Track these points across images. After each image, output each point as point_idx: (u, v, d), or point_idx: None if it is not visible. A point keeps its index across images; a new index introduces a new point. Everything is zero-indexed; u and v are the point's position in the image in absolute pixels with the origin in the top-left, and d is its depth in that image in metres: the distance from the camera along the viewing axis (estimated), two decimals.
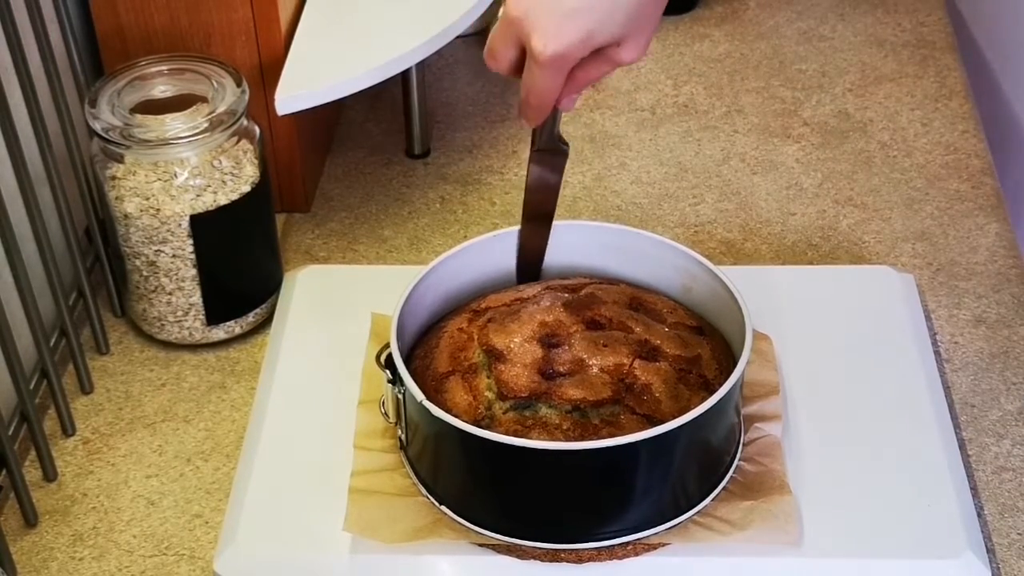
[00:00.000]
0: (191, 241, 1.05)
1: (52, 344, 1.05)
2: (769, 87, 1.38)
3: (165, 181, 1.03)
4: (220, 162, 1.05)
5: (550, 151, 0.98)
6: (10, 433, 0.98)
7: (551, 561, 0.91)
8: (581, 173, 1.28)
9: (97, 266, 1.12)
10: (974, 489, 0.98)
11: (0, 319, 0.94)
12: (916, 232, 1.20)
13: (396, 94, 1.31)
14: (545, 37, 0.84)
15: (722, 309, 0.98)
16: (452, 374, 0.94)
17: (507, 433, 0.89)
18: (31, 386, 1.01)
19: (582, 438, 0.89)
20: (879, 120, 1.34)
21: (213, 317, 1.09)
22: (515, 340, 0.94)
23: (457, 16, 1.16)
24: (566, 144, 0.98)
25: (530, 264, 1.03)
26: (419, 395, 0.90)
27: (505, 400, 0.91)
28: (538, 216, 1.01)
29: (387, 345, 0.93)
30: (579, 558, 0.91)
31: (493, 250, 1.03)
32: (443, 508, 0.93)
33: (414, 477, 0.95)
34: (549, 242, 1.03)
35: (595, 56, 0.87)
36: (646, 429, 0.87)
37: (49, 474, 1.01)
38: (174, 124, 1.03)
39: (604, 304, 0.97)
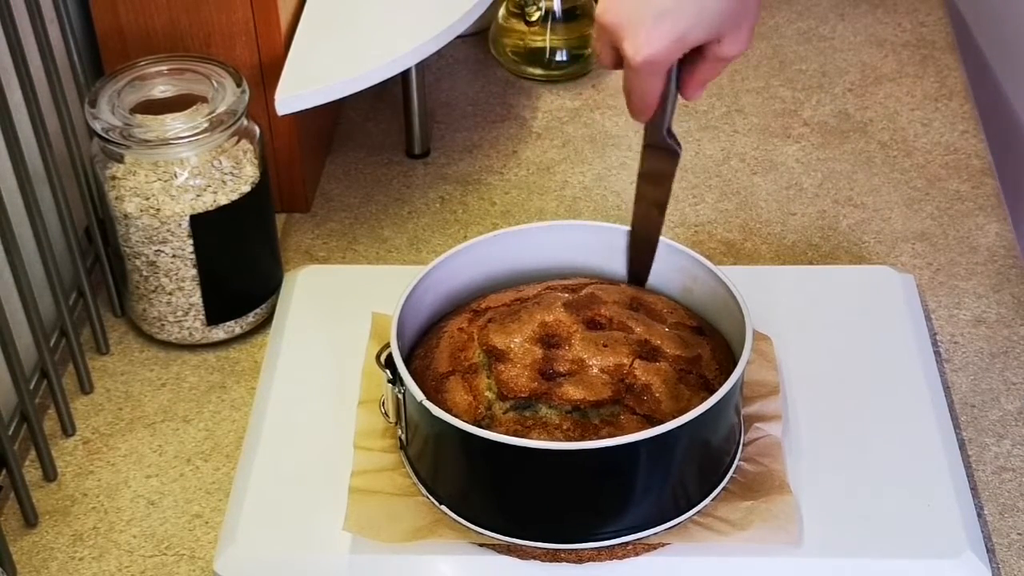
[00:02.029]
0: (191, 241, 1.05)
1: (52, 344, 1.05)
2: (769, 87, 1.38)
3: (165, 181, 1.03)
4: (220, 162, 1.05)
5: (660, 148, 0.95)
6: (10, 433, 0.98)
7: (551, 561, 0.91)
8: (581, 173, 1.28)
9: (97, 266, 1.12)
10: (974, 489, 0.98)
11: (0, 319, 0.94)
12: (916, 232, 1.20)
13: (396, 94, 1.31)
14: (636, 43, 0.84)
15: (722, 309, 0.98)
16: (452, 374, 0.94)
17: (507, 433, 0.89)
18: (31, 386, 1.01)
19: (582, 438, 0.89)
20: (879, 120, 1.34)
21: (213, 317, 1.09)
22: (515, 340, 0.94)
23: (457, 16, 1.16)
24: (678, 145, 0.95)
25: (641, 265, 1.01)
26: (419, 395, 0.90)
27: (505, 400, 0.91)
28: (649, 208, 0.99)
29: (387, 345, 0.93)
30: (579, 558, 0.91)
31: (493, 250, 1.02)
32: (443, 508, 0.93)
33: (414, 477, 0.95)
34: (542, 247, 1.03)
35: (699, 54, 0.86)
36: (646, 429, 0.87)
37: (49, 474, 1.01)
38: (174, 124, 1.03)
39: (604, 304, 0.97)
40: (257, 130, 1.08)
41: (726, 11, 0.83)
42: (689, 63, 0.88)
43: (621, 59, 0.88)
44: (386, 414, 0.96)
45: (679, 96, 0.91)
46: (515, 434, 0.89)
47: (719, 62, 0.87)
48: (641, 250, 1.00)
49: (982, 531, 0.95)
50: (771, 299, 1.07)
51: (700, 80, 0.89)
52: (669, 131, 0.94)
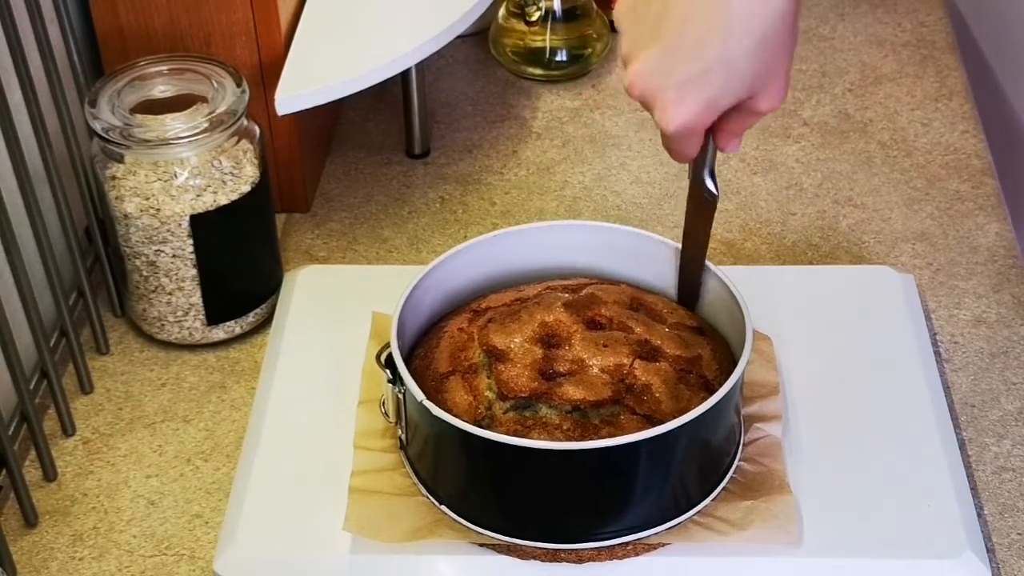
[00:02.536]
0: (191, 241, 1.05)
1: (52, 344, 1.05)
2: None
3: (165, 181, 1.03)
4: (220, 162, 1.05)
5: (699, 189, 0.92)
6: (10, 433, 0.98)
7: (551, 561, 0.91)
8: (581, 173, 1.28)
9: (97, 266, 1.12)
10: (974, 489, 0.98)
11: (0, 319, 0.94)
12: (916, 232, 1.20)
13: (396, 94, 1.31)
14: (666, 113, 0.81)
15: (723, 309, 0.98)
16: (452, 374, 0.94)
17: (507, 433, 0.89)
18: (31, 386, 1.01)
19: (582, 438, 0.89)
20: (879, 120, 1.34)
21: (213, 317, 1.09)
22: (515, 340, 0.94)
23: (457, 16, 1.16)
24: (717, 189, 0.92)
25: (687, 292, 1.00)
26: (419, 395, 0.90)
27: (505, 400, 0.91)
28: (690, 249, 0.98)
29: (387, 345, 0.93)
30: (579, 558, 0.91)
31: (493, 250, 1.02)
32: (443, 508, 0.93)
33: (414, 477, 0.95)
34: (542, 247, 1.03)
35: (736, 110, 0.83)
36: (646, 429, 0.87)
37: (49, 474, 1.01)
38: (174, 124, 1.03)
39: (604, 304, 0.97)
40: (257, 130, 1.08)
41: (757, 71, 0.80)
42: (723, 116, 0.85)
43: None
44: (386, 414, 0.96)
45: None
46: (515, 434, 0.89)
47: (753, 115, 0.84)
48: (687, 278, 1.00)
49: (982, 531, 0.94)
50: (771, 299, 1.07)
51: (733, 131, 0.86)
52: (711, 172, 0.91)
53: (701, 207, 0.94)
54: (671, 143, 0.85)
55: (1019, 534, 0.96)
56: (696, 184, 0.92)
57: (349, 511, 0.92)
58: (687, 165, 0.92)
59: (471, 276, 1.02)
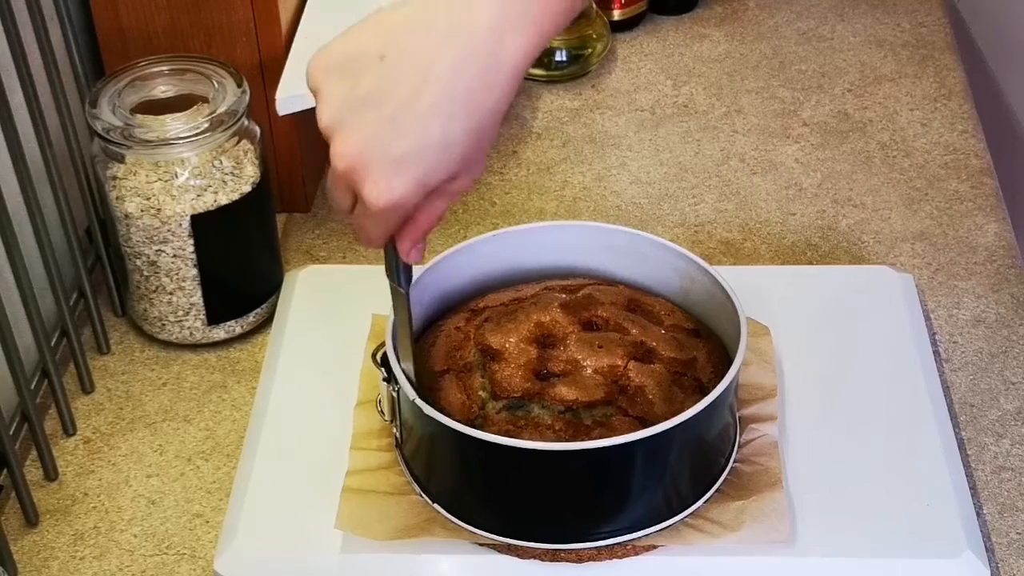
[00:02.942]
0: (192, 241, 1.05)
1: (53, 344, 1.05)
2: (769, 87, 1.38)
3: (166, 181, 1.04)
4: (221, 162, 1.05)
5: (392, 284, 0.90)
6: (11, 433, 0.98)
7: (550, 561, 0.91)
8: (581, 173, 1.28)
9: (98, 266, 1.12)
10: (973, 489, 0.98)
11: (1, 318, 0.94)
12: (915, 232, 1.20)
13: None
14: (377, 188, 0.78)
15: (719, 310, 0.98)
16: (447, 373, 0.94)
17: (499, 433, 0.89)
18: (32, 386, 1.01)
19: (574, 439, 0.89)
20: (878, 120, 1.34)
21: (213, 317, 1.10)
22: (511, 340, 0.94)
23: None
24: (403, 286, 0.89)
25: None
26: (411, 393, 0.90)
27: (498, 400, 0.92)
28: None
29: (383, 343, 0.94)
30: (578, 557, 0.91)
31: (492, 250, 1.03)
32: (436, 506, 0.93)
33: (408, 475, 0.95)
34: (541, 247, 1.03)
35: (431, 194, 0.80)
36: (638, 431, 0.87)
37: (50, 474, 1.01)
38: (175, 124, 1.04)
39: (601, 305, 0.97)
40: (258, 130, 1.08)
41: (467, 154, 0.78)
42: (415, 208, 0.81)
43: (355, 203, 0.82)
44: (382, 412, 0.96)
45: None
46: (507, 434, 0.89)
47: (447, 198, 0.82)
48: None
49: (981, 531, 0.95)
50: (770, 299, 1.07)
51: (423, 224, 0.83)
52: (403, 267, 0.88)
53: (396, 295, 0.91)
54: (372, 222, 0.82)
55: (1018, 533, 0.96)
56: (392, 277, 0.89)
57: (341, 510, 0.93)
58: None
59: (470, 276, 1.02)
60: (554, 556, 0.91)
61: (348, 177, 0.79)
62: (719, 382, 0.91)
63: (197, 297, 1.08)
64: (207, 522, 0.98)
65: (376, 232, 0.83)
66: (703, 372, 0.94)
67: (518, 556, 0.91)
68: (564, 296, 0.98)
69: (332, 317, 1.09)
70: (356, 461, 0.96)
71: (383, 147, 0.77)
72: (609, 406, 0.91)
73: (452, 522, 0.92)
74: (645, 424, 0.89)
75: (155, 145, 1.03)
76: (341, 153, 0.78)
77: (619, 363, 0.93)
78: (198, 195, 1.04)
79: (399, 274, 0.89)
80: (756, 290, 1.01)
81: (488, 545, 0.92)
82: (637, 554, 0.91)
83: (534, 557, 0.91)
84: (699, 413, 0.88)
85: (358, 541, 0.92)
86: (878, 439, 0.99)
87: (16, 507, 0.98)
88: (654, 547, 0.91)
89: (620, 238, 1.03)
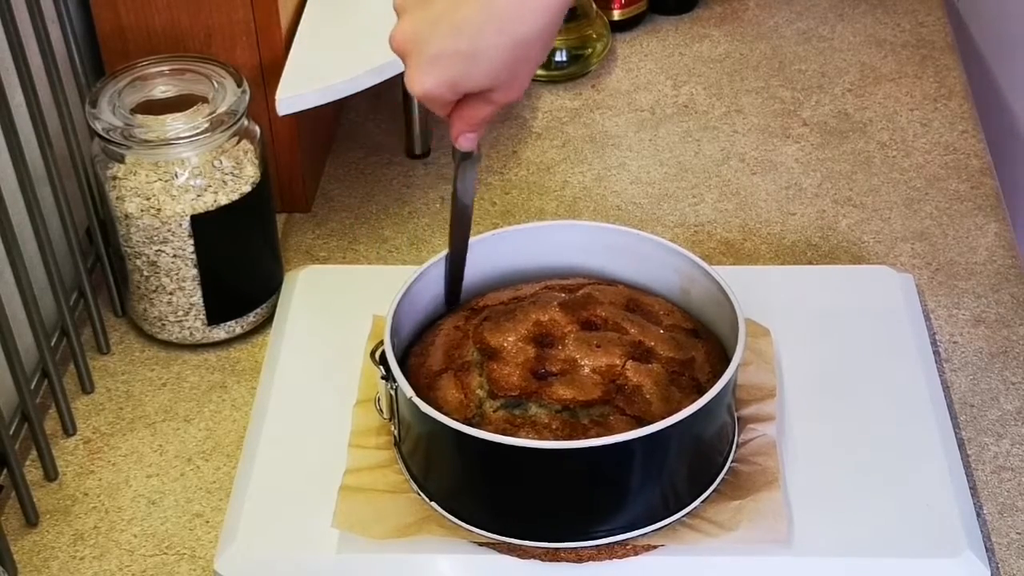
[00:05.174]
0: (192, 241, 1.05)
1: (53, 344, 1.05)
2: (769, 87, 1.39)
3: (166, 181, 1.04)
4: (221, 162, 1.05)
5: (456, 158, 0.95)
6: (11, 433, 0.98)
7: (550, 560, 0.91)
8: (581, 173, 1.28)
9: (98, 266, 1.12)
10: (973, 488, 0.98)
11: (1, 319, 0.94)
12: (915, 232, 1.20)
13: (396, 94, 1.31)
14: (412, 77, 0.86)
15: (719, 311, 0.98)
16: (445, 371, 0.94)
17: (496, 431, 0.89)
18: (32, 386, 1.01)
19: (571, 438, 0.89)
20: (878, 120, 1.34)
21: (214, 317, 1.10)
22: (509, 339, 0.94)
23: None
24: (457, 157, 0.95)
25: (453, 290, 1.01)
26: (408, 391, 0.90)
27: (496, 399, 0.92)
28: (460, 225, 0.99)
29: (381, 342, 0.94)
30: (578, 557, 0.91)
31: (492, 250, 1.03)
32: (433, 504, 0.93)
33: (407, 473, 0.95)
34: (541, 247, 1.03)
35: (475, 95, 0.87)
36: (635, 430, 0.87)
37: (50, 474, 1.01)
38: (175, 124, 1.04)
39: (600, 305, 0.97)
40: (258, 130, 1.08)
41: (500, 70, 0.85)
42: (463, 99, 0.88)
43: None
44: (381, 411, 0.96)
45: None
46: (504, 432, 0.89)
47: (489, 105, 0.88)
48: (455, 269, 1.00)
49: (981, 531, 0.95)
50: (770, 299, 1.07)
51: (468, 117, 0.89)
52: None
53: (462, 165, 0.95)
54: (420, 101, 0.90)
55: (1018, 533, 0.96)
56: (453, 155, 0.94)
57: (338, 508, 0.93)
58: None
59: (470, 276, 1.02)
60: (553, 556, 0.91)
61: (400, 58, 0.87)
62: (717, 382, 0.91)
63: (197, 297, 1.08)
64: (207, 522, 0.98)
65: (434, 110, 0.89)
66: (701, 372, 0.95)
67: (518, 556, 0.91)
68: (563, 295, 0.98)
69: (332, 317, 1.09)
70: (354, 459, 0.97)
71: (422, 43, 0.84)
72: (606, 405, 0.91)
73: (448, 520, 0.92)
74: (643, 424, 0.89)
75: (155, 145, 1.03)
76: (392, 35, 0.86)
77: (617, 362, 0.93)
78: (198, 195, 1.04)
79: (455, 151, 0.93)
80: (756, 290, 1.01)
81: (487, 545, 0.92)
82: (637, 554, 0.91)
83: (534, 557, 0.91)
84: (696, 412, 0.88)
85: (356, 540, 0.92)
86: (877, 439, 0.99)
87: (16, 507, 0.98)
88: (652, 547, 0.92)
89: (620, 238, 1.03)
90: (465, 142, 0.91)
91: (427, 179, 1.28)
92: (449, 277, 1.00)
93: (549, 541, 0.91)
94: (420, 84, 0.86)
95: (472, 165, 0.94)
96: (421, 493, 0.94)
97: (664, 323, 0.98)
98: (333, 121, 1.35)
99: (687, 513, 0.93)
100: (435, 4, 0.84)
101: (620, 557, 0.91)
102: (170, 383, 1.09)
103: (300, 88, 1.09)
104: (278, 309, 1.11)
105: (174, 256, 1.06)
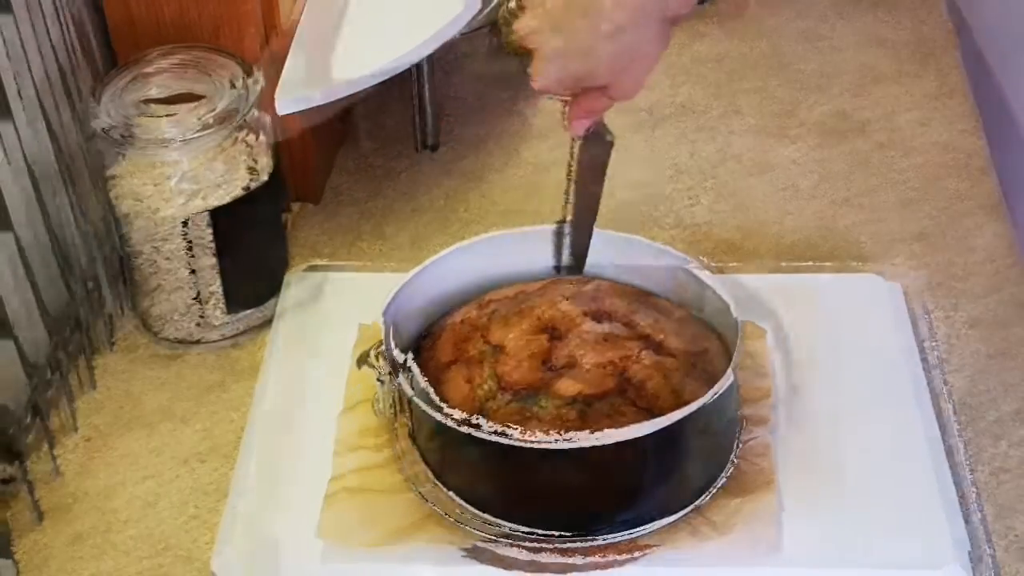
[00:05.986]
0: (191, 240, 1.05)
1: (60, 341, 1.05)
2: (767, 87, 1.38)
3: (167, 179, 1.04)
4: (220, 162, 1.05)
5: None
6: (22, 427, 0.98)
7: (533, 572, 0.91)
8: None
9: (105, 264, 1.12)
10: (963, 497, 0.97)
11: (13, 315, 0.95)
12: (914, 232, 1.20)
13: (409, 87, 1.31)
14: (534, 71, 0.92)
15: (715, 311, 0.98)
16: (454, 363, 0.94)
17: (505, 424, 0.89)
18: (41, 382, 1.01)
19: (581, 430, 0.88)
20: (877, 120, 1.33)
21: (214, 316, 1.10)
22: (518, 332, 0.94)
23: (457, 16, 1.16)
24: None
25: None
26: (408, 391, 0.90)
27: (505, 391, 0.91)
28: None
29: (378, 343, 0.94)
30: (564, 568, 0.91)
31: (492, 250, 1.03)
32: (430, 504, 0.93)
33: (424, 465, 0.95)
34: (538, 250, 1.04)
35: (593, 89, 0.93)
36: (645, 422, 0.87)
37: (56, 470, 1.01)
38: (173, 123, 1.03)
39: (609, 297, 0.97)
40: (267, 121, 1.08)
41: (614, 68, 0.91)
42: (582, 92, 0.94)
43: None
44: (381, 412, 0.96)
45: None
46: (515, 424, 0.89)
47: (604, 100, 0.94)
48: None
49: (980, 533, 0.94)
50: (758, 308, 1.07)
51: (585, 108, 0.95)
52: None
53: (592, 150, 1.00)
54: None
55: (1017, 535, 0.96)
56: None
57: (323, 517, 0.93)
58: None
59: (468, 278, 1.02)
60: (539, 568, 0.90)
61: (524, 49, 0.93)
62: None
63: (198, 296, 1.08)
64: (204, 524, 0.98)
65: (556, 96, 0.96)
66: (714, 363, 0.94)
67: (503, 567, 0.90)
68: (572, 288, 0.98)
69: (327, 322, 1.09)
70: (339, 465, 0.97)
71: (545, 40, 0.91)
72: (617, 398, 0.91)
73: (446, 520, 0.92)
74: (653, 416, 0.89)
75: (154, 144, 1.03)
76: (520, 26, 0.92)
77: (627, 355, 0.93)
78: (199, 195, 1.04)
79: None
80: (748, 297, 1.01)
81: (485, 546, 0.92)
82: (633, 554, 0.91)
83: (518, 569, 0.91)
84: (704, 405, 0.88)
85: (342, 549, 0.92)
86: (866, 449, 0.98)
87: (21, 504, 0.98)
88: (649, 547, 0.91)
89: (622, 239, 1.03)
90: (578, 126, 0.97)
91: (433, 175, 1.28)
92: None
93: (564, 531, 0.91)
94: (540, 80, 0.92)
95: (601, 147, 0.99)
96: (437, 482, 0.94)
97: (675, 315, 0.98)
98: (345, 113, 1.34)
99: (695, 508, 0.92)
100: (558, 6, 0.90)
101: (604, 568, 0.90)
102: (169, 382, 1.09)
103: (300, 88, 1.09)
104: (276, 312, 1.11)
105: (173, 256, 1.06)
